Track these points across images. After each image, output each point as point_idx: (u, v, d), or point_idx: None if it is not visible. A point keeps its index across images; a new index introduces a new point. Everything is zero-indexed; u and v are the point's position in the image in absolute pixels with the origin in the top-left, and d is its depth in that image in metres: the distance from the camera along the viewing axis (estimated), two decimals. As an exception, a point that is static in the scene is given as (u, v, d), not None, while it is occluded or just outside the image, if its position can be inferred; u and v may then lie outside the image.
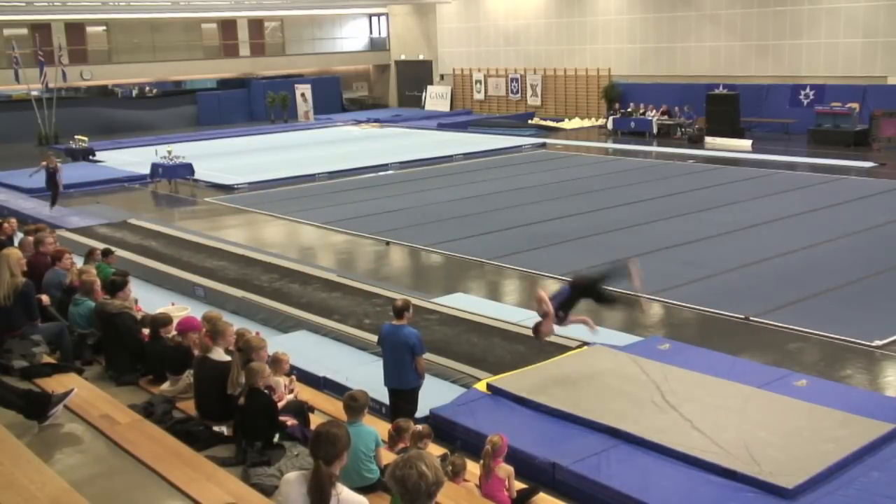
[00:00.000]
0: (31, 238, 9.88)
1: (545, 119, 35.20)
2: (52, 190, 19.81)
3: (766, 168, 22.46)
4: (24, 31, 36.32)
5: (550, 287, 12.85)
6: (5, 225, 11.45)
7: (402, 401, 7.69)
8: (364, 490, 5.19)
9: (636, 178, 21.55)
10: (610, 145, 29.14)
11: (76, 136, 30.06)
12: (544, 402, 8.05)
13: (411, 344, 7.53)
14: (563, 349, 9.53)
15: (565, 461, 7.03)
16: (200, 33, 41.85)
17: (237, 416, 5.99)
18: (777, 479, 6.49)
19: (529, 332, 10.10)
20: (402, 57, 43.86)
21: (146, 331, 7.60)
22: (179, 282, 13.25)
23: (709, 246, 14.75)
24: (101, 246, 11.56)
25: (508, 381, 8.63)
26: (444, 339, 9.91)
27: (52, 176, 19.66)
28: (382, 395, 8.25)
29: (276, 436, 5.91)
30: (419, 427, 6.39)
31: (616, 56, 34.08)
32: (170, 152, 23.55)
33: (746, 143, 26.54)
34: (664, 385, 8.36)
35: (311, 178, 23.74)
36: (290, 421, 6.28)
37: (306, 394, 7.62)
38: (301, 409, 6.60)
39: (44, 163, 20.01)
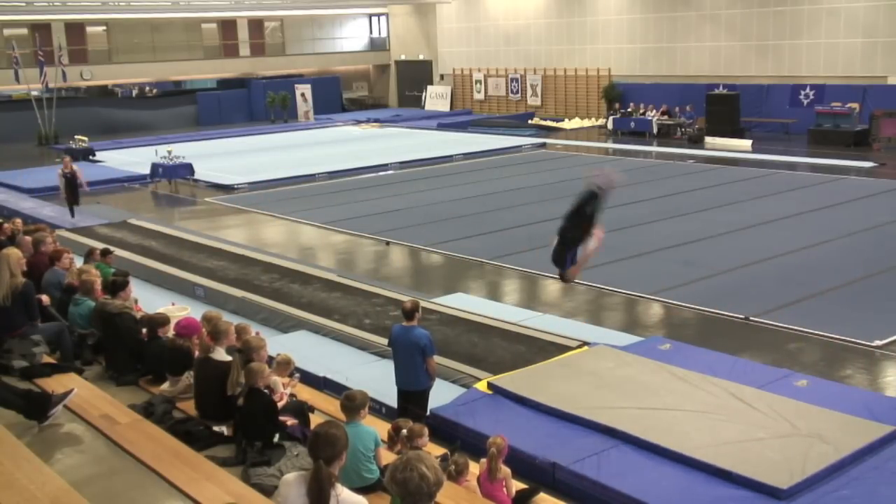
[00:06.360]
0: (29, 238, 9.87)
1: (545, 119, 35.20)
2: (70, 196, 18.28)
3: (766, 168, 22.46)
4: (24, 31, 36.32)
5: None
6: (6, 225, 11.45)
7: (410, 404, 7.67)
8: (364, 490, 5.19)
9: (636, 178, 21.51)
10: (610, 145, 29.14)
11: (76, 136, 30.07)
12: (544, 402, 8.06)
13: (422, 345, 7.52)
14: (563, 349, 9.54)
15: (565, 461, 7.04)
16: (200, 33, 41.85)
17: (237, 416, 5.99)
18: (771, 480, 6.49)
19: (530, 332, 10.15)
20: (402, 57, 43.87)
21: (145, 331, 7.60)
22: (179, 282, 13.25)
23: (709, 246, 14.75)
24: (100, 246, 11.57)
25: (509, 380, 8.63)
26: (444, 339, 9.89)
27: (70, 181, 18.16)
28: (382, 394, 8.26)
29: (276, 436, 5.91)
30: (413, 426, 6.33)
31: (616, 56, 34.08)
32: (170, 152, 23.56)
33: (746, 143, 26.54)
34: (664, 385, 8.37)
35: (311, 178, 23.75)
36: (290, 421, 6.28)
37: (306, 394, 7.62)
38: (301, 409, 6.60)
39: (61, 169, 18.42)
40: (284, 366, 7.29)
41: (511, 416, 7.96)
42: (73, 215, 18.21)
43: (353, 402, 5.72)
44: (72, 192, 18.23)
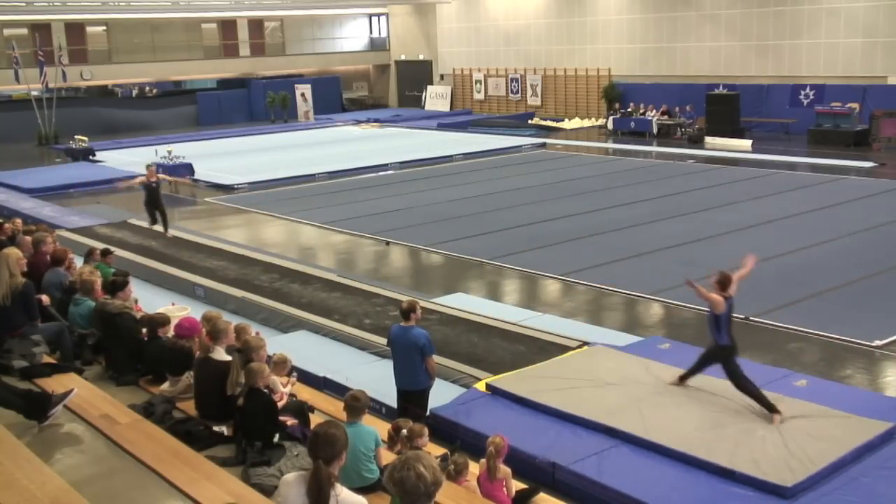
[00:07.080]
0: (29, 238, 9.87)
1: (545, 119, 35.19)
2: (157, 209, 16.28)
3: (766, 168, 22.46)
4: (24, 31, 36.31)
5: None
6: (6, 225, 11.45)
7: (410, 403, 7.67)
8: (364, 490, 5.19)
9: (636, 178, 21.54)
10: (610, 145, 29.14)
11: (76, 136, 30.07)
12: (544, 402, 8.05)
13: (421, 345, 7.52)
14: (563, 349, 9.53)
15: (565, 461, 7.03)
16: (200, 33, 41.84)
17: (237, 416, 5.99)
18: (775, 479, 6.49)
19: (530, 332, 10.13)
20: (402, 57, 43.86)
21: (145, 330, 7.60)
22: (179, 282, 13.25)
23: (709, 246, 14.75)
24: (100, 246, 11.57)
25: (508, 381, 8.63)
26: (444, 339, 9.89)
27: (153, 192, 16.18)
28: (382, 394, 8.26)
29: (276, 436, 5.91)
30: (413, 426, 6.32)
31: (616, 56, 34.07)
32: (170, 152, 23.59)
33: (746, 143, 26.54)
34: (664, 385, 8.36)
35: (311, 178, 23.74)
36: (290, 421, 6.28)
37: (306, 394, 7.62)
38: (301, 409, 6.60)
39: (142, 179, 16.35)
40: (281, 365, 7.29)
41: (511, 416, 7.96)
42: (166, 229, 16.20)
43: (358, 403, 5.77)
44: (155, 203, 16.22)
